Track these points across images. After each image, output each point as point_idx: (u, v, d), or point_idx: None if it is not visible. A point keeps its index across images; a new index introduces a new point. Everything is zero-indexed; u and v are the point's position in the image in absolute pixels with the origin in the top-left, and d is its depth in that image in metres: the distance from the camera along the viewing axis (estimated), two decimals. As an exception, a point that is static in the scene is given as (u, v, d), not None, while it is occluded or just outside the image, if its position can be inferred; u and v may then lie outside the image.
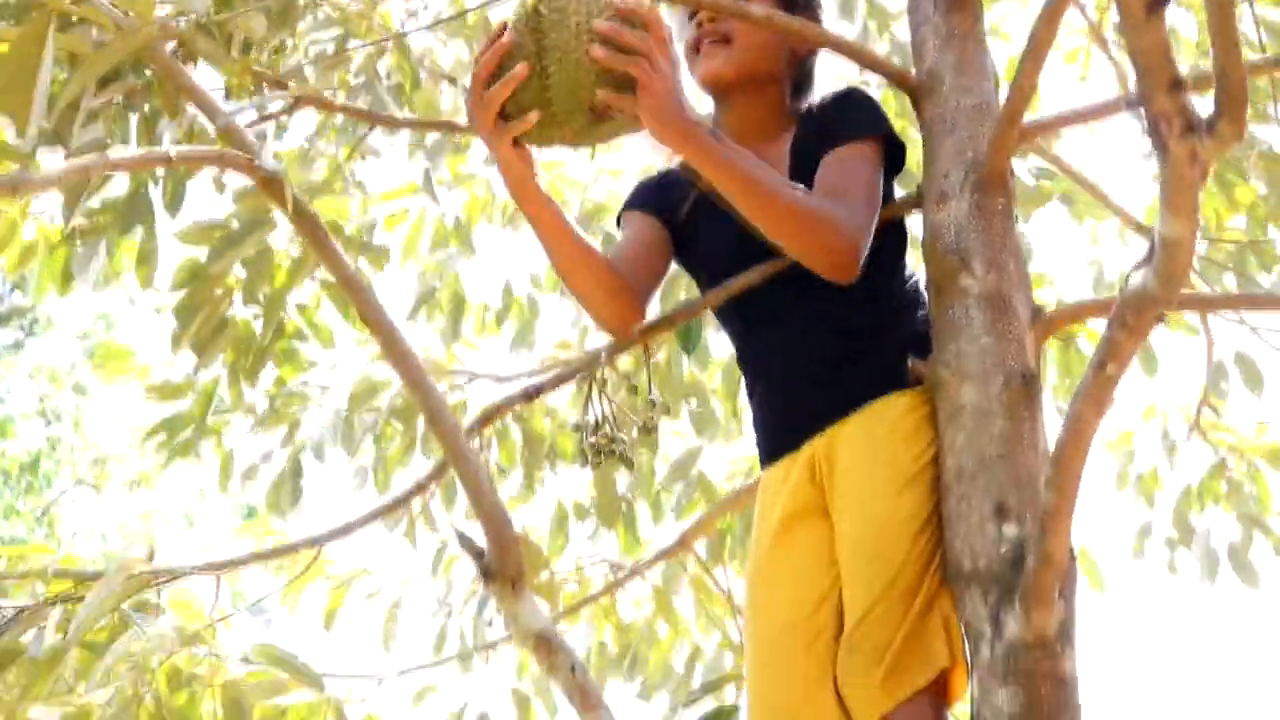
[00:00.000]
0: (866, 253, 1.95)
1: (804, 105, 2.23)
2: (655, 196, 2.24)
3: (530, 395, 1.92)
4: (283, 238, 2.95)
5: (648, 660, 4.04)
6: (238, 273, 2.91)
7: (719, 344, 3.98)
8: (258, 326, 3.03)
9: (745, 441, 4.03)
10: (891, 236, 2.15)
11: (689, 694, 2.43)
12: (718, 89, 2.18)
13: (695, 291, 2.31)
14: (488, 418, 1.98)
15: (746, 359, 2.19)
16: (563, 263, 2.00)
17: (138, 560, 2.02)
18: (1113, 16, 3.99)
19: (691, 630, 3.98)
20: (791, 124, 2.19)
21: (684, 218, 2.19)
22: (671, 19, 2.64)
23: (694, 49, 2.18)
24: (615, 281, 2.03)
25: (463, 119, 3.48)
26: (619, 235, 2.25)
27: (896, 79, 2.21)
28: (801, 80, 2.25)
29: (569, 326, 4.32)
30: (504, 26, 1.78)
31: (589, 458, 1.92)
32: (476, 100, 1.80)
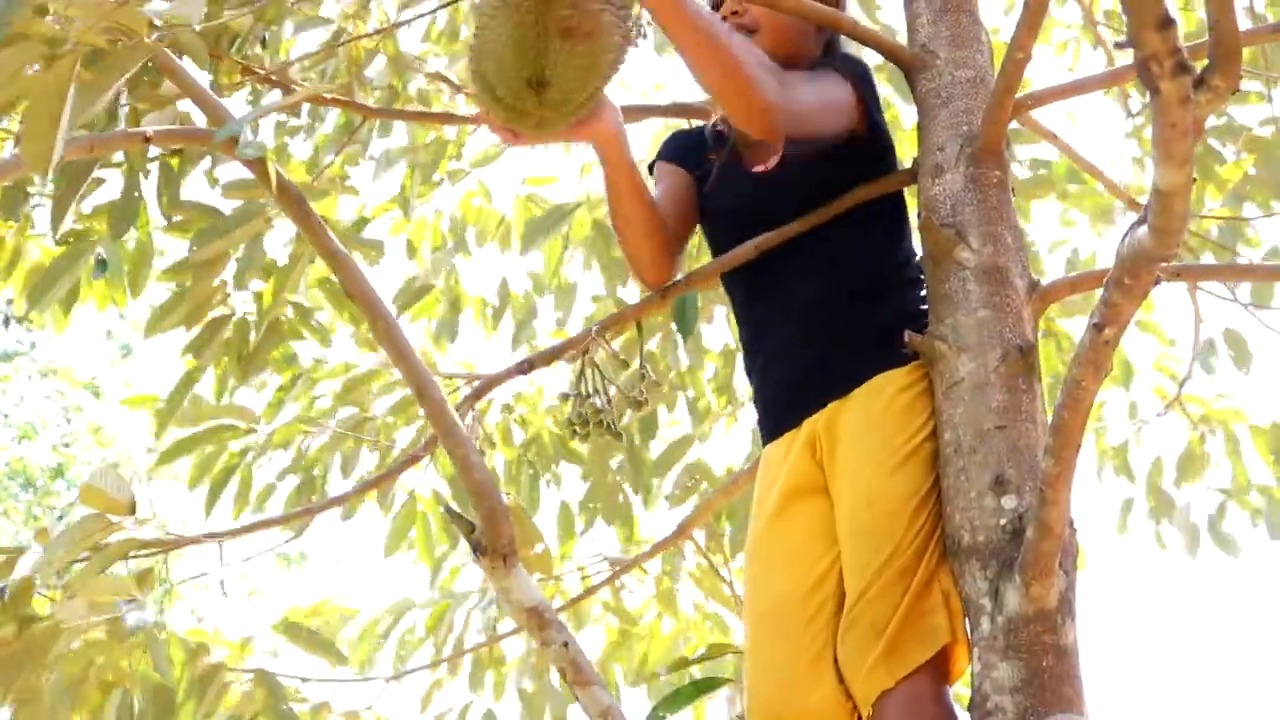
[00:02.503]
0: (787, 125, 1.93)
1: None
2: (685, 149, 2.27)
3: (524, 369, 1.91)
4: (276, 245, 2.96)
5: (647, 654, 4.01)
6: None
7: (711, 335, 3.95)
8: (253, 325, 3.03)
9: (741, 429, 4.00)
10: (889, 212, 2.13)
11: (677, 660, 2.40)
12: None
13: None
14: (479, 393, 1.97)
15: (747, 333, 2.17)
16: (624, 219, 2.09)
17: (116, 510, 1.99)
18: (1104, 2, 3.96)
19: (694, 619, 3.95)
20: None
21: (705, 177, 2.19)
22: None
23: None
24: (662, 237, 2.13)
25: (458, 111, 3.48)
26: (651, 184, 2.26)
27: (891, 54, 2.19)
28: (829, 55, 2.25)
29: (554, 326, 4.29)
30: None
31: (576, 428, 1.91)
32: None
